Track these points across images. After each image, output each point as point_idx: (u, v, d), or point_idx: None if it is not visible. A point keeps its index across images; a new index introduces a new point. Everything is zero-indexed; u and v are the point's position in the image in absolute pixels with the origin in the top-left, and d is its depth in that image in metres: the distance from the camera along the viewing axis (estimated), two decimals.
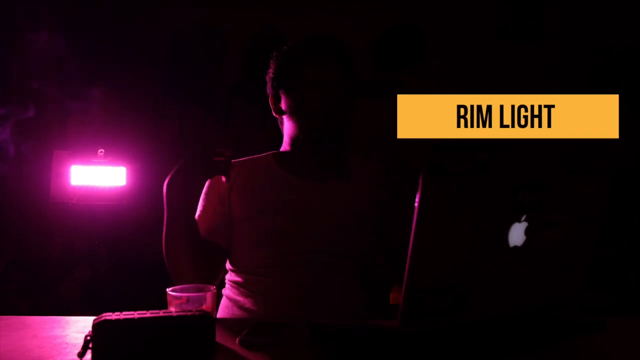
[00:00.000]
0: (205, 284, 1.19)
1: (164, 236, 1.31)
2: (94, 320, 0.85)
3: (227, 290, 1.41)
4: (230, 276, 1.42)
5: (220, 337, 0.99)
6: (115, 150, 2.40)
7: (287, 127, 1.45)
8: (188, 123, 2.94)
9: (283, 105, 1.43)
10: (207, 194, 1.43)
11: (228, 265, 1.44)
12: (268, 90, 1.46)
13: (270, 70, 1.45)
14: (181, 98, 2.97)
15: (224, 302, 1.41)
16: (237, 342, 0.99)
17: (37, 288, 2.65)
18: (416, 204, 0.78)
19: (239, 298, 1.36)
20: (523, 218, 0.90)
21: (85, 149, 2.38)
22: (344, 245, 1.36)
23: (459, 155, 0.79)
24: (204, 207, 1.42)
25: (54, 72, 2.80)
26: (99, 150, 2.37)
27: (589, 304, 1.18)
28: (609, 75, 2.90)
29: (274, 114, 1.48)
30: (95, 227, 2.58)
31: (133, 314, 0.86)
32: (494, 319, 0.95)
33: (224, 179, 1.29)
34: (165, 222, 1.31)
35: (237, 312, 1.35)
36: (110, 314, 0.86)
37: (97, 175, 2.38)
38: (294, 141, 1.44)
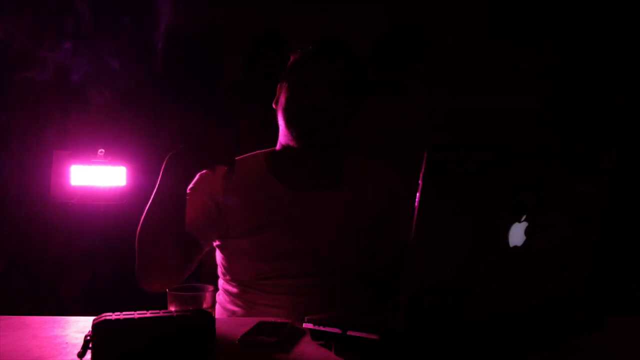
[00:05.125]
0: (171, 275, 1.20)
1: (144, 215, 1.24)
2: (94, 320, 0.85)
3: (220, 297, 1.39)
4: (223, 284, 1.40)
5: (220, 337, 0.99)
6: (115, 150, 2.39)
7: (279, 121, 1.42)
8: (188, 123, 2.94)
9: (280, 96, 1.41)
10: (194, 189, 1.37)
11: (220, 274, 1.41)
12: None
13: (289, 61, 1.44)
14: (181, 98, 2.96)
15: (217, 309, 1.38)
16: (237, 342, 0.99)
17: (37, 288, 2.64)
18: (416, 204, 0.78)
19: (232, 307, 1.35)
20: (523, 218, 0.90)
21: (85, 149, 2.38)
22: (340, 259, 1.34)
23: (459, 155, 0.79)
24: (193, 201, 1.33)
25: (53, 72, 2.80)
26: (99, 150, 2.36)
27: (589, 304, 1.18)
28: (609, 75, 2.90)
29: (273, 104, 1.44)
30: (95, 227, 2.57)
31: (133, 314, 0.86)
32: (494, 319, 0.95)
33: (218, 171, 1.25)
34: (151, 201, 1.24)
35: None
36: (110, 314, 0.86)
37: (97, 175, 2.38)
38: (285, 137, 1.41)
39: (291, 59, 1.43)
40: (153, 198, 1.24)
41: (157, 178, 1.25)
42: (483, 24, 2.95)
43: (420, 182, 0.77)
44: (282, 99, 1.38)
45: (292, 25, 2.77)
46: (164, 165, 1.23)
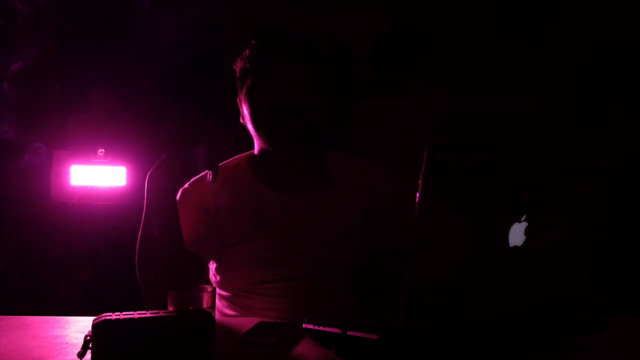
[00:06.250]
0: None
1: (139, 239, 1.22)
2: (94, 320, 0.85)
3: (216, 302, 1.38)
4: (219, 291, 1.38)
5: (220, 337, 0.99)
6: (115, 150, 2.39)
7: (251, 133, 1.37)
8: (188, 123, 2.94)
9: (243, 109, 1.36)
10: (182, 206, 1.29)
11: (213, 280, 1.39)
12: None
13: (236, 73, 1.37)
14: (181, 98, 2.97)
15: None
16: (237, 342, 0.99)
17: (37, 288, 2.64)
18: (416, 204, 0.78)
19: (228, 311, 1.34)
20: (523, 218, 0.90)
21: (85, 149, 2.38)
22: (335, 259, 1.33)
23: (459, 155, 0.79)
24: (187, 217, 1.29)
25: (53, 72, 2.80)
26: (99, 150, 2.36)
27: (589, 304, 1.18)
28: (609, 75, 2.90)
29: (240, 120, 1.39)
30: (95, 227, 2.57)
31: (133, 314, 0.86)
32: (494, 319, 0.95)
33: (210, 177, 1.22)
34: (143, 224, 1.22)
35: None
36: (110, 314, 0.86)
37: (97, 175, 2.38)
38: (260, 144, 1.36)
39: (237, 66, 1.36)
40: (143, 221, 1.22)
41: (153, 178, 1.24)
42: (483, 24, 2.95)
43: (420, 182, 0.77)
44: (245, 111, 1.34)
45: (292, 25, 2.76)
46: (146, 184, 1.21)
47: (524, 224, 0.90)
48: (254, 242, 1.31)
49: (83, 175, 2.43)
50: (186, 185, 1.34)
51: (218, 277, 1.36)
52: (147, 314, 0.87)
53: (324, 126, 1.34)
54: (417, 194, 0.78)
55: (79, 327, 1.11)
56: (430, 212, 0.79)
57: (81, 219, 2.53)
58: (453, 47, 2.92)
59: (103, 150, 2.32)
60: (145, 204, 1.22)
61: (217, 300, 1.38)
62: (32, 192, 2.55)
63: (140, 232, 1.23)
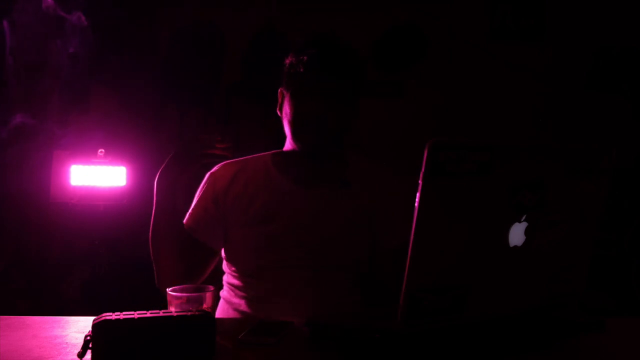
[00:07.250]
0: (182, 281, 1.22)
1: (150, 233, 1.34)
2: (94, 320, 0.85)
3: (224, 292, 1.41)
4: (227, 278, 1.42)
5: (220, 337, 0.99)
6: (115, 150, 2.40)
7: (285, 129, 1.43)
8: (188, 123, 2.94)
9: (284, 105, 1.41)
10: (203, 190, 1.43)
11: (225, 268, 1.44)
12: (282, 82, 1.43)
13: (286, 65, 1.41)
14: (181, 98, 2.97)
15: (221, 304, 1.41)
16: (237, 342, 0.99)
17: (37, 288, 2.65)
18: (416, 204, 0.78)
19: (236, 300, 1.36)
20: (523, 218, 0.90)
21: (85, 149, 2.38)
22: (339, 256, 1.35)
23: (459, 155, 0.80)
24: (197, 203, 1.42)
25: (53, 72, 2.80)
26: (99, 150, 2.37)
27: (589, 304, 1.18)
28: (609, 75, 2.90)
29: (277, 111, 1.45)
30: (95, 227, 2.58)
31: (133, 314, 0.86)
32: (494, 319, 0.95)
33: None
34: (152, 218, 1.33)
35: (234, 315, 1.35)
36: (110, 314, 0.86)
37: (97, 175, 2.38)
38: (291, 144, 1.42)
39: (290, 60, 1.40)
40: (153, 216, 1.34)
41: (157, 178, 1.34)
42: (483, 24, 2.95)
43: (420, 182, 0.77)
44: (287, 109, 1.39)
45: (292, 25, 2.76)
46: (155, 183, 1.33)
47: (524, 224, 0.90)
48: (261, 226, 1.36)
49: (83, 175, 2.43)
50: (214, 169, 1.45)
51: (226, 262, 1.42)
52: (147, 314, 0.87)
53: (345, 131, 1.41)
54: (417, 194, 0.78)
55: (79, 327, 1.11)
56: (430, 212, 0.79)
57: (81, 219, 2.53)
58: (453, 47, 2.92)
59: (103, 150, 2.32)
60: (154, 200, 1.33)
61: (225, 291, 1.41)
62: (32, 192, 2.55)
63: (152, 220, 1.34)
